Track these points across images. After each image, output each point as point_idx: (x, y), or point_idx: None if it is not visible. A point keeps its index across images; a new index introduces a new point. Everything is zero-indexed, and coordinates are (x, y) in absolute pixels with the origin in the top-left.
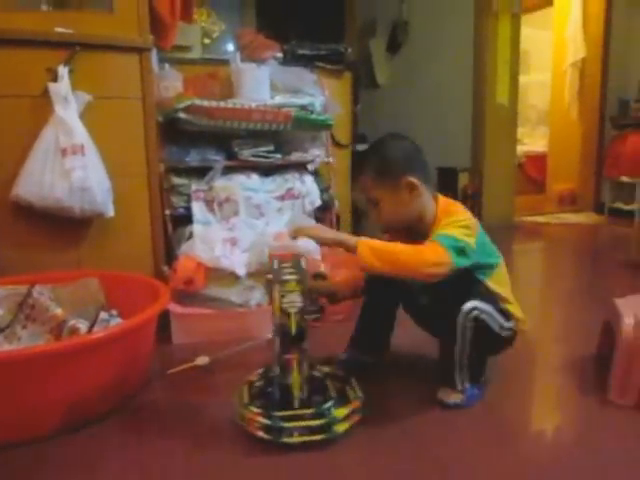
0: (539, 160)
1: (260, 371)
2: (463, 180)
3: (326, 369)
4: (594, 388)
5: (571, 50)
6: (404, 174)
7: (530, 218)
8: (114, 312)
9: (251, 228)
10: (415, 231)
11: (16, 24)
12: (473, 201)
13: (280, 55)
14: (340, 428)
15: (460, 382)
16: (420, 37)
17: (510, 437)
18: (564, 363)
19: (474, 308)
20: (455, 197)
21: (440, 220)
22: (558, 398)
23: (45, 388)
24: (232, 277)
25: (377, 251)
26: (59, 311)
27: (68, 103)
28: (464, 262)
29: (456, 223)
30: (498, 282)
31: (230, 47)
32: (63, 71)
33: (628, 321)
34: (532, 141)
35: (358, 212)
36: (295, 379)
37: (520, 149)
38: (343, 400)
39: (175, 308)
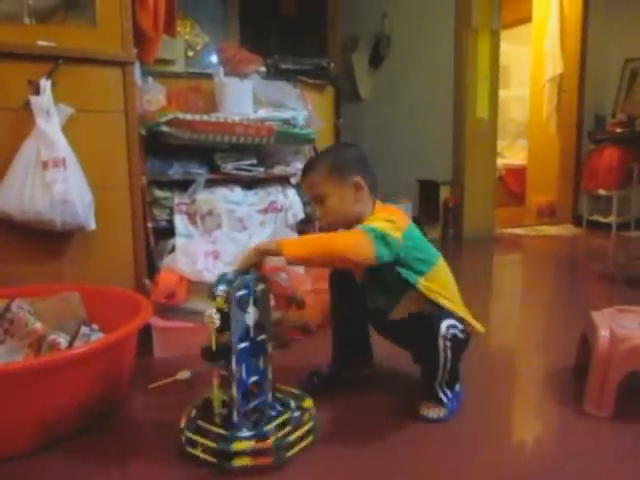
0: (519, 173)
1: None
2: (444, 193)
3: (308, 404)
4: (572, 400)
5: (549, 66)
6: (353, 174)
7: (510, 230)
8: (95, 327)
9: (233, 241)
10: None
11: None
12: (454, 213)
13: (263, 69)
14: (238, 462)
15: (443, 393)
16: (402, 51)
17: (489, 448)
18: (543, 375)
19: (450, 326)
20: (437, 209)
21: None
22: (537, 410)
23: (24, 404)
24: None
25: (299, 242)
26: (38, 325)
27: (50, 116)
28: (385, 251)
29: (379, 217)
30: (435, 281)
31: (214, 59)
32: (45, 84)
33: (604, 334)
34: (512, 154)
35: None
36: (215, 396)
37: (500, 162)
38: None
39: (157, 322)
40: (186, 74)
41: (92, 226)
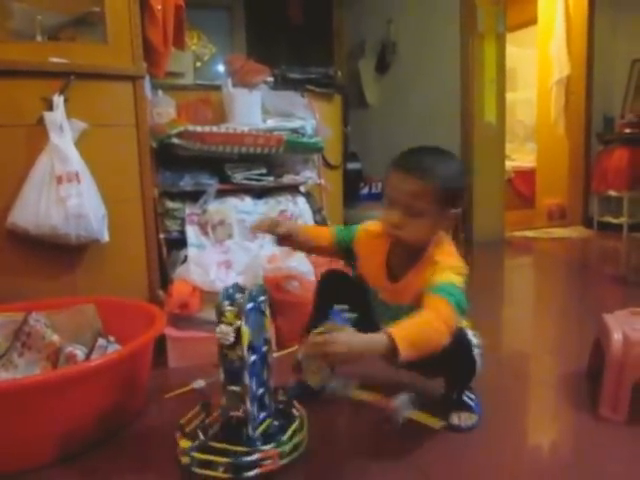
0: (528, 175)
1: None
2: None
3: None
4: (587, 404)
5: (556, 68)
6: (457, 206)
7: (520, 233)
8: (112, 338)
9: (245, 251)
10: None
11: (11, 55)
12: (464, 217)
13: (271, 79)
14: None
15: (468, 398)
16: (408, 57)
17: (504, 454)
18: (557, 379)
19: (473, 334)
20: None
21: (433, 253)
22: (552, 414)
23: (45, 417)
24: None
25: (411, 340)
26: (55, 338)
27: (63, 131)
28: (459, 318)
29: (457, 269)
30: None
31: (221, 69)
32: (58, 100)
33: (617, 337)
34: (520, 157)
35: None
36: None
37: (509, 165)
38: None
39: (171, 332)
40: (195, 86)
41: (106, 239)
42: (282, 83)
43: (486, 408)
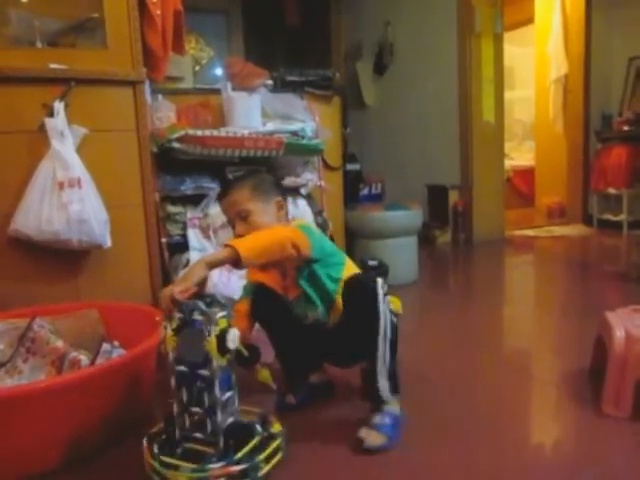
0: (527, 174)
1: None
2: (453, 197)
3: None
4: (590, 401)
5: (554, 67)
6: (275, 195)
7: (520, 232)
8: (116, 343)
9: None
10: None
11: (11, 62)
12: (464, 217)
13: (270, 82)
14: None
15: (386, 394)
16: (406, 58)
17: (508, 451)
18: (559, 377)
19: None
20: (446, 214)
21: None
22: (555, 412)
23: (46, 423)
24: (230, 303)
25: (249, 240)
26: (59, 343)
27: (64, 137)
28: (315, 241)
29: (304, 223)
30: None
31: (219, 72)
32: (59, 106)
33: (619, 334)
34: (519, 155)
35: (351, 232)
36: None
37: (508, 164)
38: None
39: None
40: (195, 90)
41: (108, 244)
42: (281, 86)
43: (488, 406)
